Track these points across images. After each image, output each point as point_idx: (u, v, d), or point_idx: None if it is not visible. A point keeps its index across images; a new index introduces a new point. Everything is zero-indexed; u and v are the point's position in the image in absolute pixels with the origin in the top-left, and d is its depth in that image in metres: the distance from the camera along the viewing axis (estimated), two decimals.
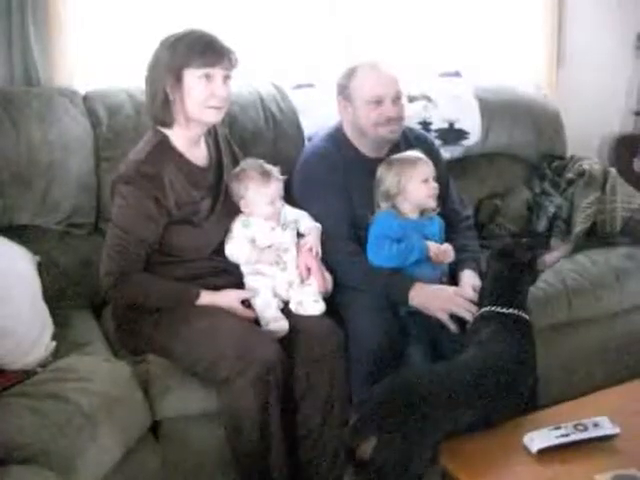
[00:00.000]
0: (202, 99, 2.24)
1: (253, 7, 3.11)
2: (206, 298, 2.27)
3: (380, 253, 2.41)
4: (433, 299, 2.36)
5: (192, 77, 2.22)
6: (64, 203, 2.58)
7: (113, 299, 2.34)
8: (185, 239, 2.30)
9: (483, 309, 2.21)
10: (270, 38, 3.16)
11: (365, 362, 2.28)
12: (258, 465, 2.16)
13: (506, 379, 2.03)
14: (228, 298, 2.29)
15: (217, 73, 2.23)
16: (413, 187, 2.45)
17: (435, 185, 2.48)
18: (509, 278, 2.21)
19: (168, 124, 2.28)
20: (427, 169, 2.48)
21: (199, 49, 2.21)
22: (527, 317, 2.18)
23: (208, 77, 2.22)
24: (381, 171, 2.49)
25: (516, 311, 2.17)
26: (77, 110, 2.65)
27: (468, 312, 2.31)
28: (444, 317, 2.33)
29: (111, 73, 2.90)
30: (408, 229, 2.43)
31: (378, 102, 2.50)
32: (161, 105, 2.25)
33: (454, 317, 2.34)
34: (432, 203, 2.49)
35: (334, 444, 2.23)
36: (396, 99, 2.53)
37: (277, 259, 2.36)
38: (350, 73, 2.56)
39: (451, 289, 2.40)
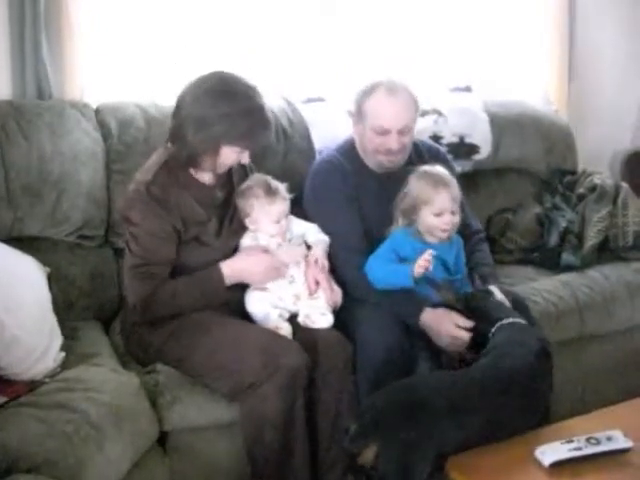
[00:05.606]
0: (229, 164, 2.31)
1: (264, 22, 3.12)
2: (227, 270, 2.28)
3: (372, 271, 2.38)
4: (433, 330, 2.31)
5: (230, 151, 2.25)
6: (74, 215, 2.58)
7: (148, 322, 2.28)
8: (194, 257, 2.30)
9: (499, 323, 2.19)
10: (280, 52, 3.17)
11: (374, 374, 2.26)
12: (277, 475, 2.16)
13: (518, 393, 2.01)
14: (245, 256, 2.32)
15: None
16: (425, 215, 2.37)
17: (449, 220, 2.36)
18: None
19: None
20: (446, 202, 2.35)
21: (251, 135, 2.23)
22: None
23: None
24: (409, 184, 2.40)
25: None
26: (88, 123, 2.66)
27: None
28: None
29: (122, 86, 2.92)
30: (419, 253, 2.31)
31: (383, 133, 2.46)
32: (186, 156, 2.26)
33: None
34: (442, 235, 2.38)
35: (342, 457, 2.20)
36: (405, 131, 2.47)
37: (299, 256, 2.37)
38: (368, 91, 2.49)
39: (451, 330, 2.26)
